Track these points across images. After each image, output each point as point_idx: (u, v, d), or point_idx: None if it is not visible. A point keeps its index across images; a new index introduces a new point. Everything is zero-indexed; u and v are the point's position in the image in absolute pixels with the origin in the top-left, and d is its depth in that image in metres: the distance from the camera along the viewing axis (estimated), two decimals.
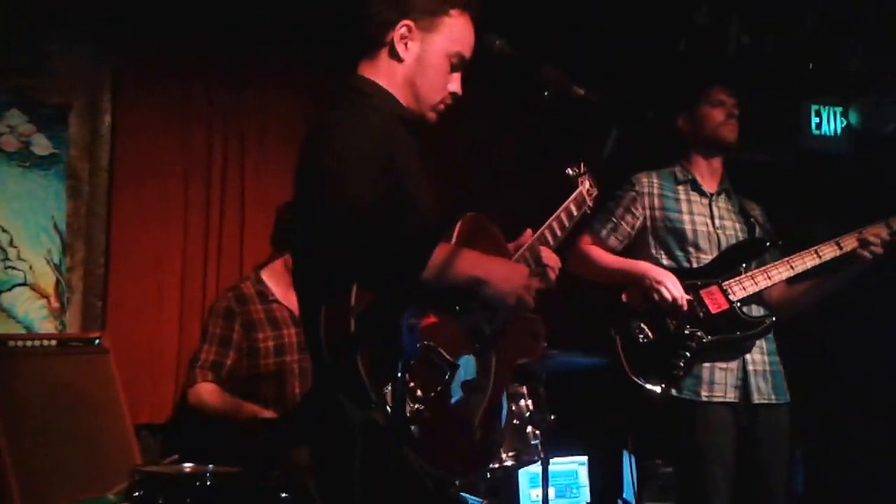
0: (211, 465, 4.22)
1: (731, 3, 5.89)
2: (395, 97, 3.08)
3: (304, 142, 2.97)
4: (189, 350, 5.39)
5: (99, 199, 5.38)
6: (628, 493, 5.89)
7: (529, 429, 4.65)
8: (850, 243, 4.42)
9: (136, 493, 4.00)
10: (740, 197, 4.73)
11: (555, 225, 3.43)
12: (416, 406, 2.71)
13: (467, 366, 2.94)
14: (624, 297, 4.52)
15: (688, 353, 4.30)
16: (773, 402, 4.45)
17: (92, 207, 5.36)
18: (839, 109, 6.14)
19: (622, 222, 4.62)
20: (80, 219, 5.34)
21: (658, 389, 4.29)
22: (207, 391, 4.92)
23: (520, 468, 4.63)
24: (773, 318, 4.41)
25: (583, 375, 5.69)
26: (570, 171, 3.77)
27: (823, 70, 6.04)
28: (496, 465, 4.42)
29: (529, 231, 3.32)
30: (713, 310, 4.36)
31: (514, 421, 4.64)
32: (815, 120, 6.13)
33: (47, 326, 5.16)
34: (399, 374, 2.48)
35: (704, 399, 4.32)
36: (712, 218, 4.60)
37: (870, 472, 6.16)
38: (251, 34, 5.78)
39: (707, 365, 4.34)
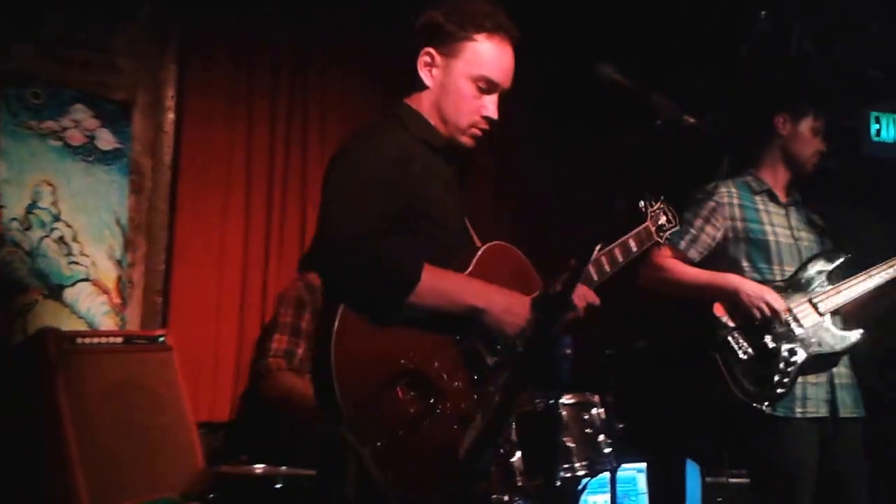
0: (284, 467, 4.24)
1: (794, 10, 5.88)
2: (429, 122, 3.15)
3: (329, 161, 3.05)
4: (249, 348, 5.41)
5: (161, 195, 5.36)
6: (692, 502, 5.84)
7: (602, 437, 4.62)
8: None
9: (212, 496, 4.02)
10: (806, 208, 4.69)
11: (604, 260, 3.41)
12: (390, 427, 2.74)
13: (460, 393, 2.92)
14: (718, 312, 4.39)
15: (790, 370, 4.23)
16: (856, 415, 4.41)
17: (154, 203, 5.34)
18: None
19: (702, 234, 4.48)
20: (142, 214, 5.32)
21: (764, 407, 4.23)
22: (286, 378, 4.92)
23: (593, 477, 4.60)
24: (863, 332, 4.33)
25: (642, 382, 5.69)
26: (642, 204, 3.78)
27: (884, 76, 6.02)
28: (569, 475, 4.40)
29: (573, 262, 3.27)
30: (806, 324, 4.30)
31: (587, 430, 4.60)
32: (874, 127, 6.10)
33: (108, 322, 5.14)
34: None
35: (798, 415, 4.26)
36: (791, 229, 4.53)
37: None
38: (317, 34, 5.82)
39: (799, 380, 4.27)
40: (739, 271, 4.46)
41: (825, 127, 4.58)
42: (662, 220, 3.78)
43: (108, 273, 5.17)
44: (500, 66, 3.13)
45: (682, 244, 4.49)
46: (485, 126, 3.16)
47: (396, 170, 2.95)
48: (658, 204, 3.80)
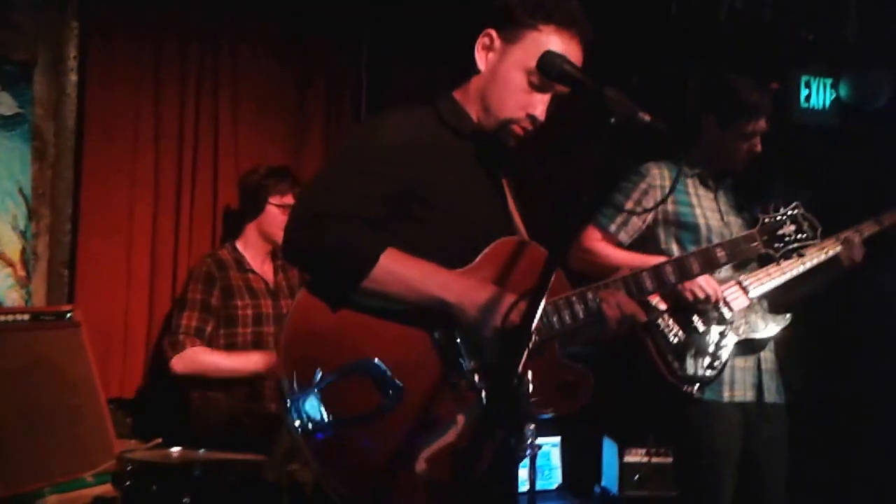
0: (202, 450, 4.07)
1: None
2: (465, 111, 2.94)
3: None
4: (160, 322, 5.25)
5: (65, 161, 5.11)
6: (608, 480, 5.79)
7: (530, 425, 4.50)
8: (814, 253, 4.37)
9: (128, 483, 3.81)
10: (735, 192, 4.61)
11: (668, 269, 3.14)
12: (332, 418, 2.58)
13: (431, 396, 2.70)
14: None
15: (720, 354, 4.18)
16: (778, 401, 4.40)
17: (58, 171, 5.09)
18: (829, 81, 6.02)
19: (633, 216, 4.35)
20: (46, 183, 5.07)
21: (694, 390, 4.18)
22: (201, 353, 4.84)
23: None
24: (790, 316, 4.31)
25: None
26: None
27: (817, 39, 5.93)
28: None
29: (626, 270, 3.07)
30: (735, 307, 4.23)
31: None
32: (804, 92, 6.01)
33: (13, 296, 4.92)
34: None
35: (726, 400, 4.23)
36: (720, 212, 4.45)
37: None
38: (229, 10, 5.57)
39: (728, 364, 4.23)
40: (669, 254, 4.33)
41: (760, 127, 4.40)
42: (790, 229, 3.75)
43: (12, 245, 4.94)
44: None
45: (613, 227, 4.38)
46: (527, 125, 2.88)
47: (398, 153, 2.76)
48: (790, 210, 3.81)
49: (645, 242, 4.40)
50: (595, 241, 4.37)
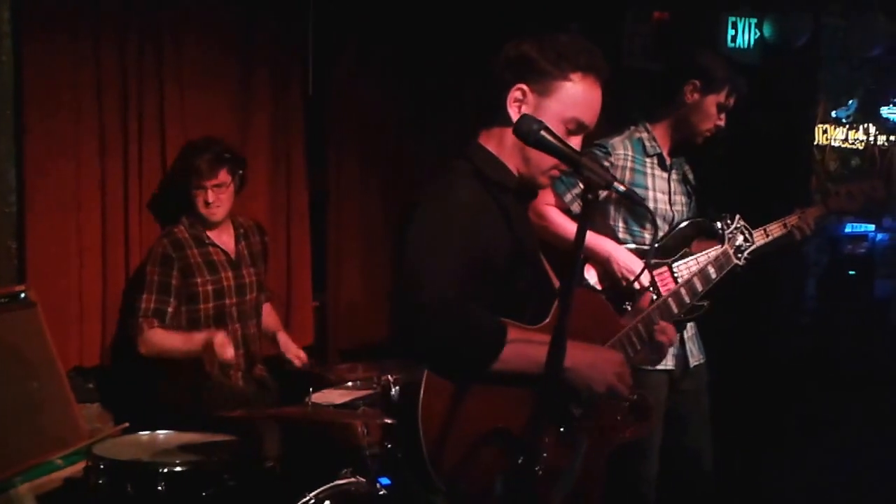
0: (166, 432, 4.33)
1: None
2: (505, 165, 3.03)
3: (403, 210, 2.96)
4: (114, 289, 5.26)
5: (5, 131, 4.97)
6: None
7: None
8: (776, 230, 4.53)
9: (100, 481, 3.94)
10: (683, 167, 4.77)
11: (683, 292, 3.53)
12: (483, 491, 2.78)
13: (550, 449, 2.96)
14: (588, 273, 4.46)
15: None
16: (701, 361, 4.71)
17: None
18: (754, 21, 6.12)
19: None
20: None
21: None
22: (158, 336, 4.89)
23: None
24: (707, 303, 4.40)
25: None
26: (719, 225, 4.05)
27: None
28: None
29: (648, 296, 3.33)
30: (663, 292, 4.35)
31: None
32: (731, 32, 6.11)
33: None
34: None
35: (650, 369, 4.35)
36: (669, 194, 4.59)
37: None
38: None
39: None
40: (613, 230, 4.53)
41: (733, 105, 4.56)
42: (739, 240, 4.04)
43: None
44: (592, 108, 3.00)
45: (568, 197, 4.48)
46: (564, 167, 2.98)
47: (473, 222, 2.88)
48: (735, 223, 4.05)
49: (594, 213, 4.49)
50: (547, 205, 4.48)
